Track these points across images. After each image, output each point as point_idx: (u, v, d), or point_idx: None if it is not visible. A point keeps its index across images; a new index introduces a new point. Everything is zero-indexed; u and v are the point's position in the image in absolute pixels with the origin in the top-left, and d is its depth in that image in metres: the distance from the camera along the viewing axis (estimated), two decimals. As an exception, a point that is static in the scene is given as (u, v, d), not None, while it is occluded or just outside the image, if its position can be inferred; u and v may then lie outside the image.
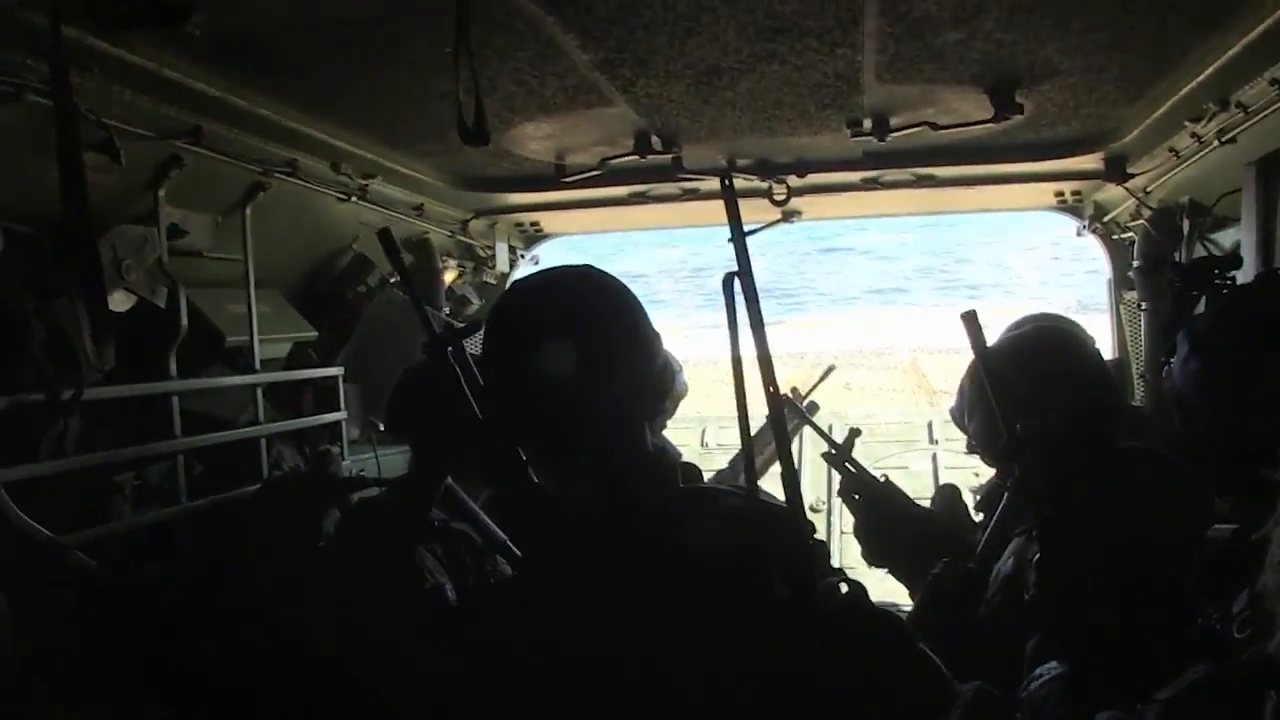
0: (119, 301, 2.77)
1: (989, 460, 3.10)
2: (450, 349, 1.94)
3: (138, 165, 2.78)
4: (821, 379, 4.04)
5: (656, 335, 1.90)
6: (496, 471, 1.90)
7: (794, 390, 3.99)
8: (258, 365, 3.39)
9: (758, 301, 1.64)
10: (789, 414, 3.78)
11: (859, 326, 42.16)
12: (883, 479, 3.49)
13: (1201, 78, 2.92)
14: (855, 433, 3.65)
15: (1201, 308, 3.69)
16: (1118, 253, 5.11)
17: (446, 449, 2.27)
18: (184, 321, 2.96)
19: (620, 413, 1.80)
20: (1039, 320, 3.29)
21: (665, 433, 3.52)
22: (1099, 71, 2.99)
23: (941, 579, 2.74)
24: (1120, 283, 5.18)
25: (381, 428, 3.97)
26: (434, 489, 2.29)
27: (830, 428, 3.71)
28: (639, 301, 1.89)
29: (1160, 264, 4.25)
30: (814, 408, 3.98)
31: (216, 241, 3.29)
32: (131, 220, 2.87)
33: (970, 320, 2.32)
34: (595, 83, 2.90)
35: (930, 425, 9.21)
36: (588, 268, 1.90)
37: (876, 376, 31.36)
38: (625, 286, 1.90)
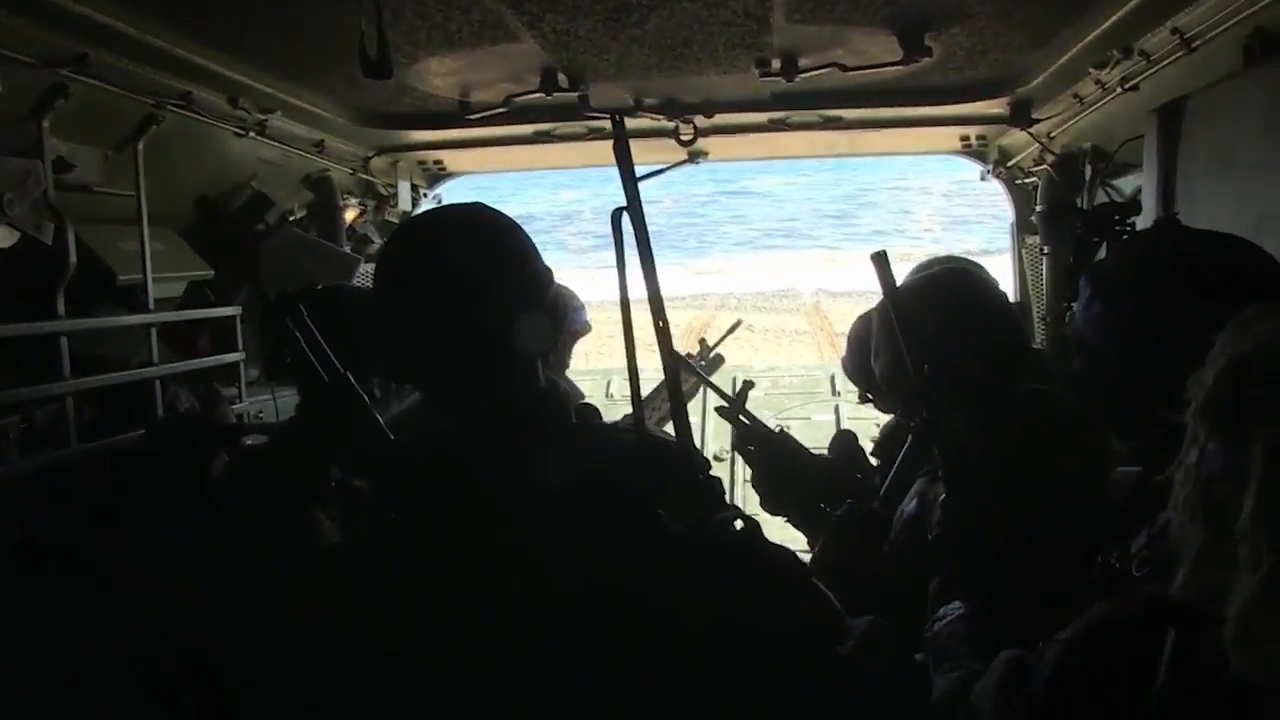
0: (2, 237, 2.67)
1: (888, 405, 3.14)
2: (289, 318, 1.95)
3: (19, 94, 2.65)
4: (728, 333, 4.05)
5: (547, 271, 1.91)
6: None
7: (701, 342, 4.01)
8: (151, 305, 3.29)
9: (648, 240, 1.67)
10: (689, 372, 3.81)
11: (761, 269, 42.47)
12: (778, 430, 3.52)
13: (1106, 25, 2.96)
14: (748, 385, 3.67)
15: (1103, 253, 3.76)
16: (1021, 197, 5.19)
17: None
18: (72, 259, 2.84)
19: (503, 346, 1.80)
20: (945, 263, 3.33)
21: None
22: (1006, 16, 3.01)
23: (844, 520, 2.77)
24: (1023, 227, 5.27)
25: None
26: (319, 442, 2.27)
27: (735, 380, 3.73)
28: (528, 238, 1.91)
29: (1062, 209, 4.33)
30: (719, 360, 4.00)
31: (107, 176, 3.15)
32: (14, 153, 2.74)
33: (880, 260, 2.34)
34: (501, 17, 2.85)
35: (833, 378, 9.37)
36: (478, 205, 1.91)
37: (780, 319, 31.70)
38: (514, 223, 1.92)
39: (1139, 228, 3.55)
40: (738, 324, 4.18)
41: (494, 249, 1.85)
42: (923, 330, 2.41)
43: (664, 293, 1.70)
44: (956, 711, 1.76)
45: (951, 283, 2.84)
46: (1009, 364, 2.68)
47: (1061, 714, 1.38)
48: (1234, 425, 1.17)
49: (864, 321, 3.50)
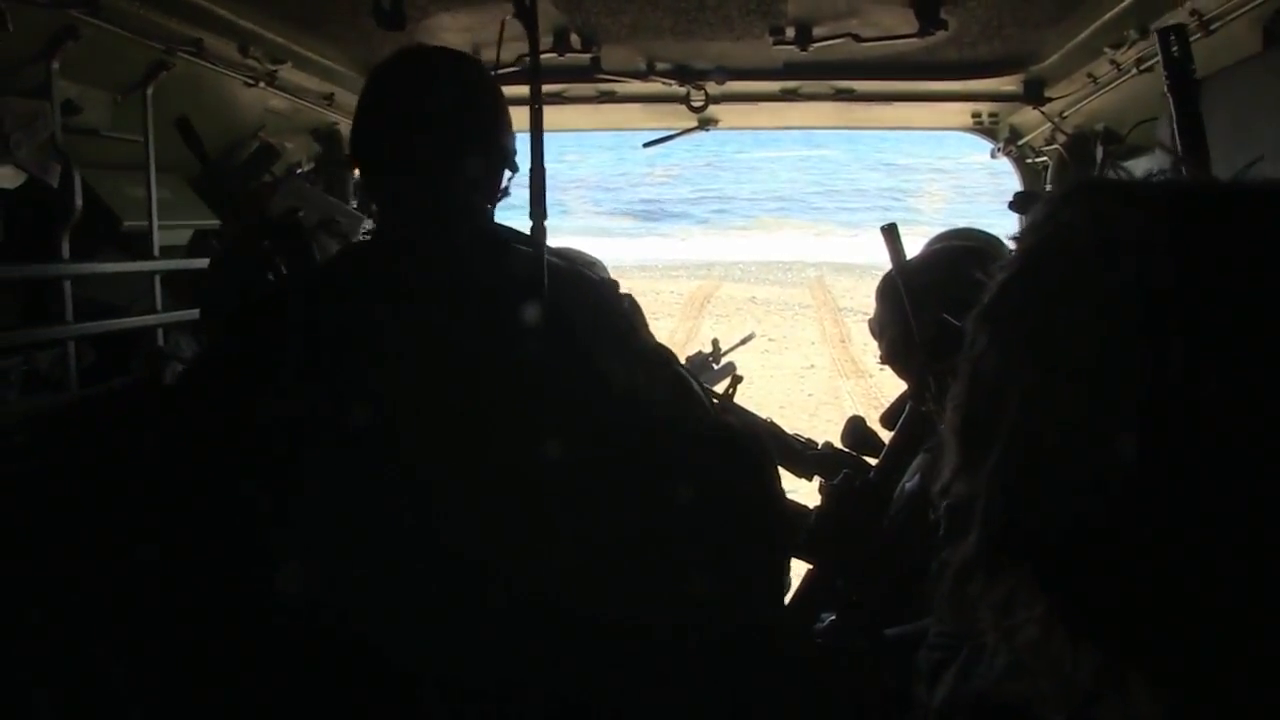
0: (7, 178, 2.65)
1: (901, 372, 3.13)
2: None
3: (28, 34, 2.64)
4: (740, 343, 4.01)
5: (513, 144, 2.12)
6: None
7: (714, 343, 4.00)
8: (156, 252, 3.28)
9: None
10: (698, 367, 3.82)
11: (765, 240, 42.42)
12: (767, 420, 3.54)
13: (1124, 4, 2.93)
14: (738, 379, 3.69)
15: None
16: (1030, 177, 5.15)
17: None
18: (78, 203, 2.84)
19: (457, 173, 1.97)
20: (960, 235, 3.31)
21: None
22: (1024, -9, 2.99)
23: (838, 490, 2.77)
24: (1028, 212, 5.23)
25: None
26: None
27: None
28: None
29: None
30: (730, 368, 3.98)
31: (115, 121, 3.15)
32: (22, 94, 2.73)
33: (890, 233, 2.33)
34: (516, -27, 2.82)
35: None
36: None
37: (783, 291, 31.67)
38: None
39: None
40: (750, 337, 4.10)
41: (485, 96, 2.05)
42: (935, 299, 2.40)
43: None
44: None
45: (964, 256, 2.82)
46: None
47: None
48: (1005, 345, 0.97)
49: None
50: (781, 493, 1.97)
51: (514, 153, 2.09)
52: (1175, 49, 2.24)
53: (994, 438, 0.94)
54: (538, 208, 1.97)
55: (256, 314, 2.07)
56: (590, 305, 1.94)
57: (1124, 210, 0.94)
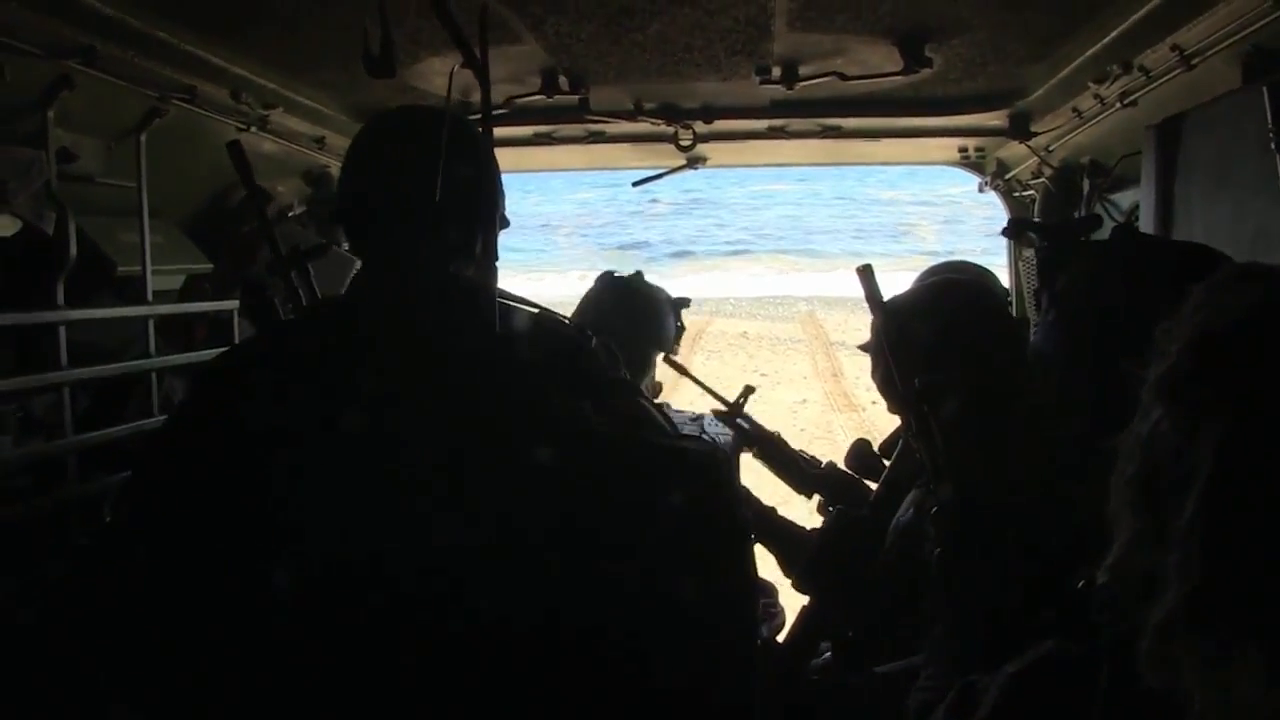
0: (3, 226, 2.68)
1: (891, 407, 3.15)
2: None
3: (25, 84, 2.67)
4: (743, 395, 4.00)
5: (500, 198, 2.15)
6: None
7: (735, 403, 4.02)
8: (150, 297, 3.30)
9: None
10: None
11: (755, 275, 42.48)
12: (774, 432, 3.55)
13: (1106, 40, 2.98)
14: (749, 389, 3.70)
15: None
16: (1018, 210, 5.19)
17: None
18: (73, 249, 2.85)
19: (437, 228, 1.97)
20: (952, 268, 3.34)
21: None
22: (1007, 28, 3.03)
23: (838, 522, 2.79)
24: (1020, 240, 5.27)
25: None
26: None
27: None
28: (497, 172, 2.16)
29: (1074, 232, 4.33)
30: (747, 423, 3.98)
31: (109, 168, 3.17)
32: (18, 142, 2.75)
33: (865, 274, 2.36)
34: (504, 18, 2.86)
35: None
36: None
37: (774, 326, 31.69)
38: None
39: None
40: (751, 390, 4.08)
41: (466, 149, 2.01)
42: (913, 343, 2.42)
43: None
44: None
45: (946, 294, 2.83)
46: (1002, 377, 2.60)
47: None
48: (1191, 406, 1.02)
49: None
50: (738, 502, 2.00)
51: (498, 205, 2.13)
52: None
53: (1183, 500, 0.97)
54: (488, 255, 2.02)
55: (207, 379, 2.09)
56: (546, 349, 1.97)
57: None
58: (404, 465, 1.71)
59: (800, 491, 3.61)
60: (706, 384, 3.78)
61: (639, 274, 4.06)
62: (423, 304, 1.93)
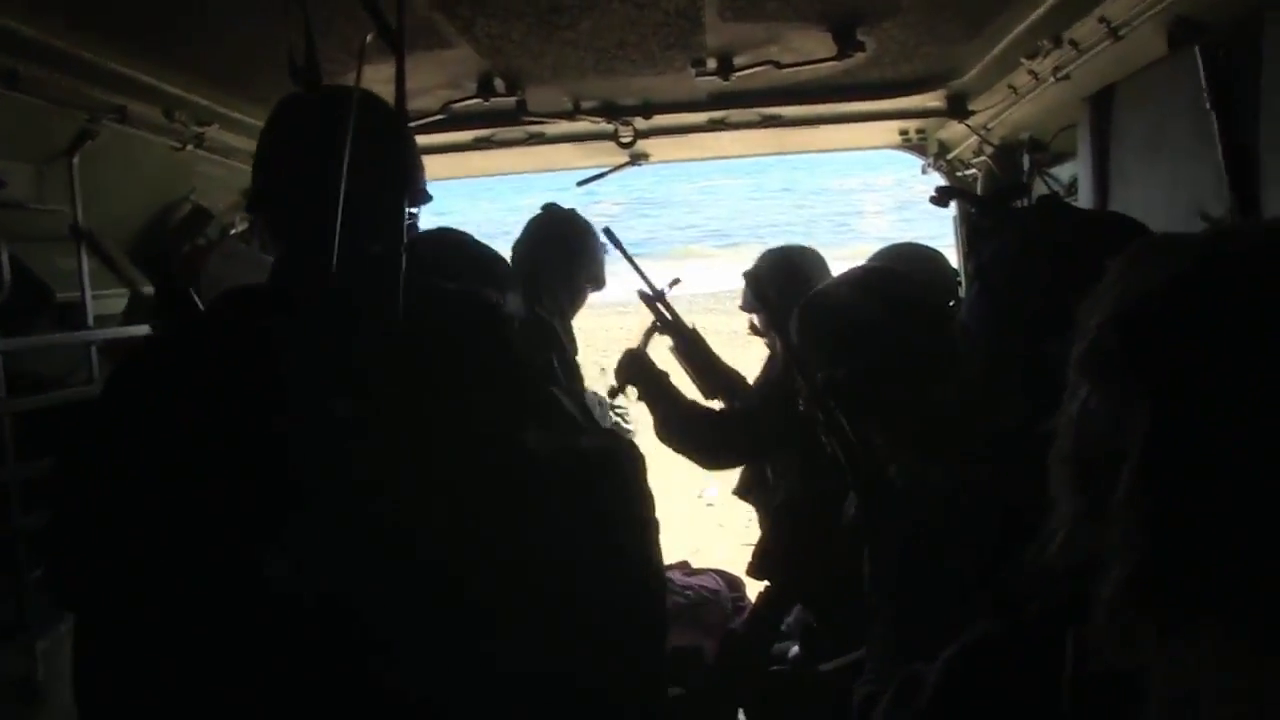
0: (-66, 258, 2.63)
1: None
2: None
3: (-53, 112, 2.62)
4: (670, 284, 4.02)
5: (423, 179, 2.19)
6: None
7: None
8: (90, 322, 3.25)
9: None
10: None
11: (708, 270, 42.53)
12: (692, 326, 3.62)
13: (1036, 15, 3.01)
14: (676, 280, 3.82)
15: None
16: (963, 188, 5.23)
17: None
18: (6, 277, 2.81)
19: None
20: (899, 252, 3.36)
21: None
22: (938, 9, 3.06)
23: (784, 512, 2.79)
24: (965, 220, 5.30)
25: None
26: None
27: None
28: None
29: (1002, 199, 4.36)
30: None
31: (42, 192, 3.11)
32: (-57, 171, 2.71)
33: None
34: (433, 22, 2.85)
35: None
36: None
37: (729, 320, 31.71)
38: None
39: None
40: (677, 281, 4.16)
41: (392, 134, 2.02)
42: (822, 340, 2.35)
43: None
44: None
45: (853, 289, 2.48)
46: (920, 372, 2.29)
47: None
48: (1116, 382, 1.01)
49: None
50: (645, 486, 1.99)
51: (414, 180, 2.14)
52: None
53: (1117, 476, 0.96)
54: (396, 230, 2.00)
55: (126, 365, 2.04)
56: (455, 335, 1.96)
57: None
58: (336, 454, 1.68)
59: (708, 396, 3.70)
60: (638, 264, 3.77)
61: (574, 210, 4.18)
62: (352, 285, 1.89)
